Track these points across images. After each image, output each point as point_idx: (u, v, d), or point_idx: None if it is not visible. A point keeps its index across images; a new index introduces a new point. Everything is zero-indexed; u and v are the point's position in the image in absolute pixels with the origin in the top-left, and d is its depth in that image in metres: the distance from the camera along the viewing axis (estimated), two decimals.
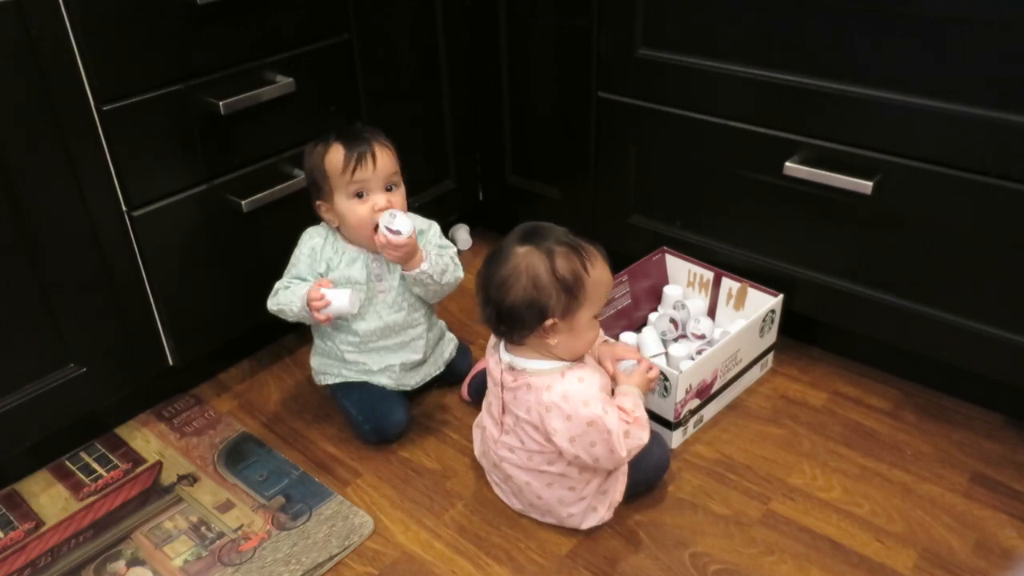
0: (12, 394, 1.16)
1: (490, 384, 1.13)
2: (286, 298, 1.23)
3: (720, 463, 1.24)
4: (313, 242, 1.26)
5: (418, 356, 1.30)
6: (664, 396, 1.21)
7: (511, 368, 1.07)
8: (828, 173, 1.21)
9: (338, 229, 1.25)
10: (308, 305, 1.18)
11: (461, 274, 1.28)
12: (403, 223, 1.15)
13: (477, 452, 1.23)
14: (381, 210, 1.18)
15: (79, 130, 1.10)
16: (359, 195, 1.20)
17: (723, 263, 1.42)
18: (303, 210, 1.37)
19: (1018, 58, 1.03)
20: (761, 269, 1.39)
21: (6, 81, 1.01)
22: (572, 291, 1.01)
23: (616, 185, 1.50)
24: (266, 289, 1.28)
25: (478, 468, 1.25)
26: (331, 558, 1.12)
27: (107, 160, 1.14)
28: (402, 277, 1.24)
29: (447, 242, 1.30)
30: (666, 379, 1.19)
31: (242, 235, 1.32)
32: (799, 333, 1.46)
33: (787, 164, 1.25)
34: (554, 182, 1.61)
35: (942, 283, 1.21)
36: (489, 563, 1.11)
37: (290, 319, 1.24)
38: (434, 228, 1.30)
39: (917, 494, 1.18)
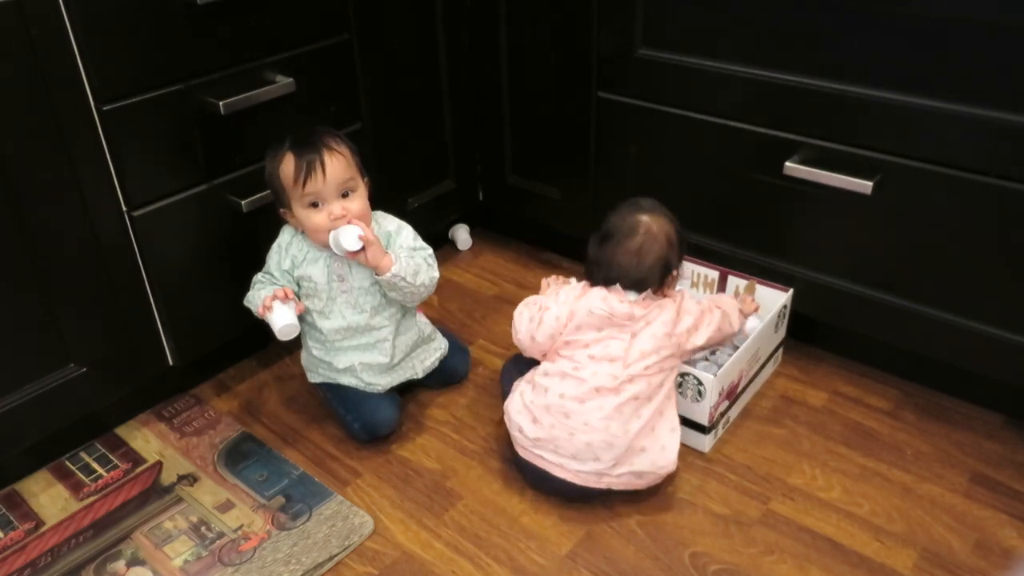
0: (12, 394, 1.16)
1: (596, 336, 1.15)
2: (253, 297, 1.27)
3: (720, 463, 1.24)
4: (282, 239, 1.28)
5: (384, 359, 1.28)
6: (698, 400, 1.21)
7: (642, 300, 1.16)
8: (828, 173, 1.21)
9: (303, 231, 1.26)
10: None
11: (436, 274, 1.27)
12: (349, 240, 1.16)
13: (528, 442, 1.16)
14: (337, 219, 1.18)
15: (79, 130, 1.10)
16: (314, 204, 1.19)
17: (723, 263, 1.42)
18: None
19: (1019, 58, 1.03)
20: (761, 269, 1.39)
21: (6, 81, 1.01)
22: (683, 247, 1.20)
23: (616, 185, 1.50)
24: None
25: (478, 468, 1.25)
26: (331, 558, 1.12)
27: (107, 160, 1.14)
28: (373, 281, 1.24)
29: (421, 243, 1.29)
30: (700, 383, 1.19)
31: (242, 235, 1.32)
32: (799, 333, 1.46)
33: (787, 164, 1.25)
34: (554, 182, 1.61)
35: (942, 283, 1.21)
36: (489, 563, 1.11)
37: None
38: (405, 231, 1.28)
39: (917, 494, 1.18)
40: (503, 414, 1.22)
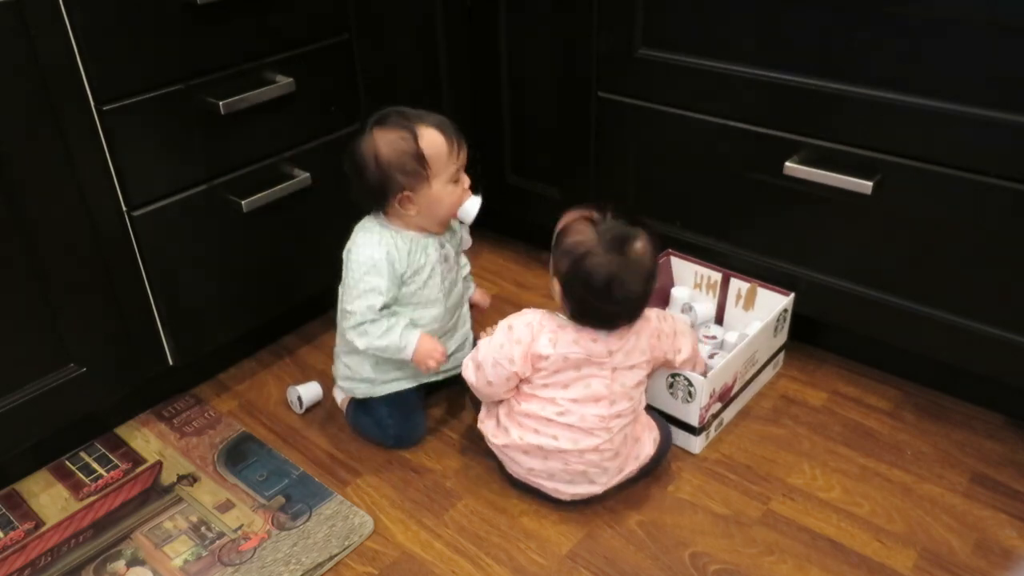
0: (12, 394, 1.16)
1: (576, 375, 1.10)
2: (387, 342, 1.17)
3: (720, 463, 1.24)
4: (384, 247, 1.17)
5: (466, 327, 1.35)
6: (688, 401, 1.21)
7: (617, 332, 1.11)
8: (828, 173, 1.21)
9: (390, 221, 1.20)
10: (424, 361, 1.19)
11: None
12: (475, 206, 1.23)
13: (523, 471, 1.16)
14: (468, 188, 1.22)
15: (79, 130, 1.10)
16: (454, 180, 1.20)
17: (723, 264, 1.42)
18: (303, 210, 1.38)
19: (1018, 58, 1.03)
20: (761, 270, 1.39)
21: (6, 81, 1.01)
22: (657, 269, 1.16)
23: (616, 185, 1.50)
24: (265, 289, 1.28)
25: (478, 468, 1.25)
26: (331, 558, 1.12)
27: (107, 160, 1.14)
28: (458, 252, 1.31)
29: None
30: (690, 384, 1.19)
31: (242, 235, 1.32)
32: (799, 333, 1.46)
33: (787, 164, 1.25)
34: (554, 182, 1.61)
35: (942, 283, 1.21)
36: (489, 563, 1.11)
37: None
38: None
39: (917, 494, 1.18)
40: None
